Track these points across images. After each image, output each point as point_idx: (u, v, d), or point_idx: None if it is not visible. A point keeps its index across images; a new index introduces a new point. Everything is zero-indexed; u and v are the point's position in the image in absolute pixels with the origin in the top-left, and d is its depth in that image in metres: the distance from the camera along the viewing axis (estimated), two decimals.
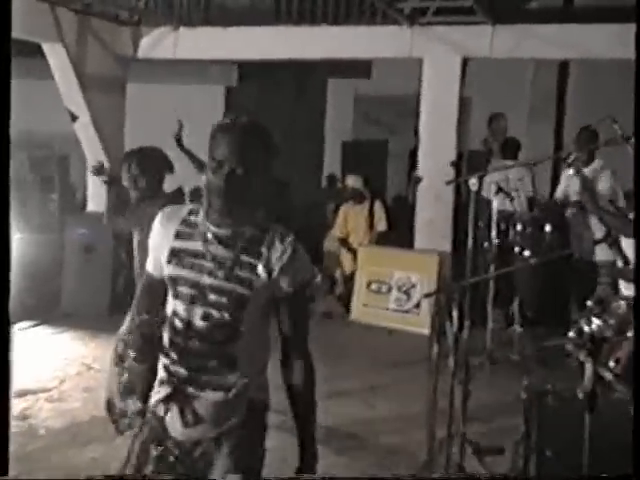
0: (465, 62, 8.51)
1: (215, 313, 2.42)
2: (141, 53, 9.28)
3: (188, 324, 2.45)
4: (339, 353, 7.24)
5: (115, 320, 7.68)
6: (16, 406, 5.50)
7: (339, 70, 11.39)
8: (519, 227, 6.74)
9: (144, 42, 9.26)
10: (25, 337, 7.47)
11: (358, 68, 11.44)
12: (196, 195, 11.36)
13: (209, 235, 2.43)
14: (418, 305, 8.17)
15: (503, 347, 6.71)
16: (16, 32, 7.81)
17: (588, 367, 3.27)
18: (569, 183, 6.89)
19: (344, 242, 9.23)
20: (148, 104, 10.54)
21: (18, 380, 5.97)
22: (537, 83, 11.15)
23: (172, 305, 2.49)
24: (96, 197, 9.21)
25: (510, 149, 8.05)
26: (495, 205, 6.61)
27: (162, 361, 2.52)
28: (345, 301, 8.84)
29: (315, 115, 12.52)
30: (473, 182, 4.76)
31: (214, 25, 9.07)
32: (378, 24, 8.61)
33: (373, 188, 9.40)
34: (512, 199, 6.94)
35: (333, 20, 8.76)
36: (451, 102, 8.47)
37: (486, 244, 6.66)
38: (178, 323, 2.46)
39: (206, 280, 2.42)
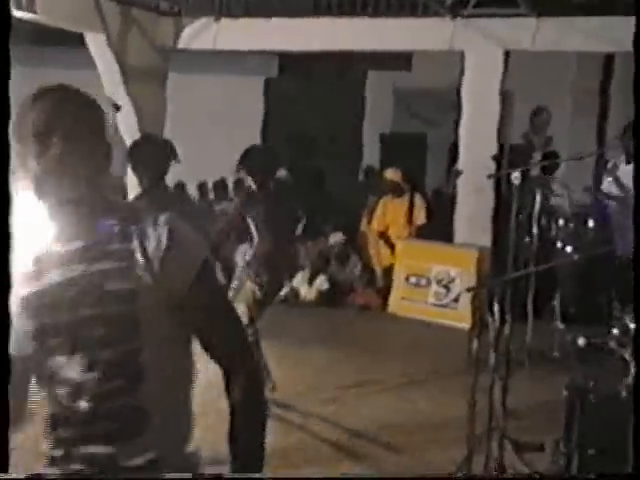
0: (507, 55, 8.42)
1: (101, 355, 1.75)
2: (182, 44, 9.32)
3: (74, 384, 1.77)
4: (378, 346, 7.23)
5: None
6: None
7: (379, 62, 11.33)
8: (561, 222, 6.67)
9: (185, 33, 9.29)
10: None
11: (398, 60, 11.37)
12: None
13: (60, 256, 1.78)
14: (457, 299, 8.12)
15: (544, 343, 6.63)
16: (60, 22, 7.88)
17: (634, 365, 3.22)
18: (611, 189, 6.81)
19: (383, 235, 9.20)
20: (188, 94, 10.58)
21: None
22: (581, 77, 10.99)
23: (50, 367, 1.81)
24: (136, 187, 9.28)
25: (550, 163, 7.94)
26: (537, 200, 6.53)
27: (50, 437, 1.85)
28: (384, 294, 8.82)
29: (354, 107, 12.47)
30: (516, 176, 4.70)
31: (255, 16, 9.07)
32: (419, 16, 8.55)
33: (412, 181, 9.36)
34: (554, 194, 6.87)
35: (373, 11, 8.71)
36: (492, 95, 8.39)
37: (527, 239, 6.59)
38: (61, 389, 1.79)
39: (73, 315, 1.75)
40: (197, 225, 2.00)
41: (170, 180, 9.83)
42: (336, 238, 9.29)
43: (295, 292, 8.79)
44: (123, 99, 8.76)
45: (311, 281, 9.00)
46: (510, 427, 4.36)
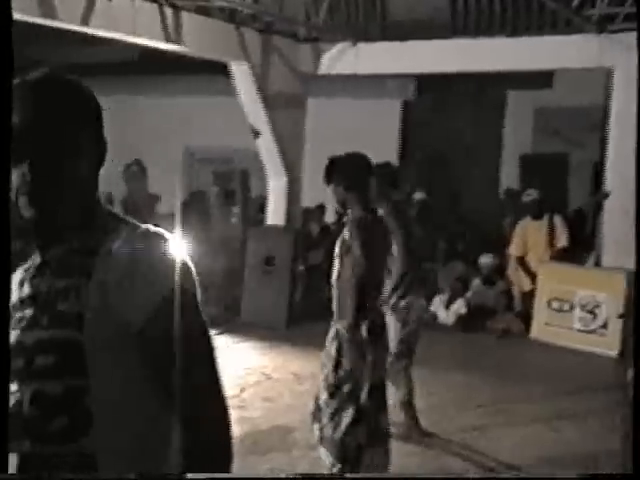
0: None
1: (47, 387, 1.46)
2: (322, 69, 9.43)
3: (18, 419, 1.46)
4: (520, 373, 7.00)
5: (292, 331, 7.93)
6: None
7: (519, 81, 11.09)
8: None
9: (324, 58, 9.41)
10: None
11: (539, 79, 11.09)
12: None
13: (33, 266, 1.53)
14: (605, 325, 7.77)
15: None
16: (205, 53, 8.21)
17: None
18: None
19: (521, 261, 8.94)
20: (327, 118, 10.67)
21: None
22: None
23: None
24: (275, 210, 9.46)
25: None
26: None
27: None
28: (525, 319, 8.55)
29: (493, 128, 12.25)
30: None
31: (391, 39, 9.07)
32: (561, 33, 8.30)
33: (553, 202, 9.08)
34: None
35: (512, 31, 8.52)
36: None
37: None
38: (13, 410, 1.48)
39: (28, 336, 1.47)
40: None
41: (313, 202, 9.93)
42: (486, 260, 9.08)
43: (433, 316, 8.65)
44: (264, 125, 8.97)
45: (448, 305, 8.84)
46: None
